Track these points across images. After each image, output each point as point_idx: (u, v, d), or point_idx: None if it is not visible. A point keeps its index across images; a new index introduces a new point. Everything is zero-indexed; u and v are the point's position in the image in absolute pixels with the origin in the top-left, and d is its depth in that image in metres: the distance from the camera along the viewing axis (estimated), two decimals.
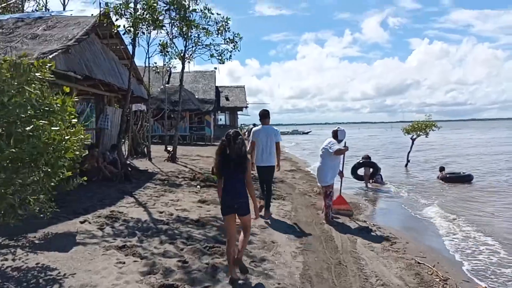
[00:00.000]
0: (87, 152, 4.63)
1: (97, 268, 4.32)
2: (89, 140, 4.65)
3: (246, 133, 38.84)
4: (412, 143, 16.84)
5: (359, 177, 12.65)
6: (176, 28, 12.53)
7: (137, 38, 10.71)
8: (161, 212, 6.95)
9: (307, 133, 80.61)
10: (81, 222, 6.02)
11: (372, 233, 6.55)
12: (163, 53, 14.45)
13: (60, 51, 7.63)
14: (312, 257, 5.18)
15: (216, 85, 47.01)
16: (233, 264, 4.16)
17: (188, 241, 5.42)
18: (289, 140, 48.88)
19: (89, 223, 6.04)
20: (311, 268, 4.78)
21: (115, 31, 8.75)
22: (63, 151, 3.75)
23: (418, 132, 16.24)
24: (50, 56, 7.27)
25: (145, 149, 18.43)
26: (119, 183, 9.75)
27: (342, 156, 7.20)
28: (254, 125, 36.84)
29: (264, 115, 7.11)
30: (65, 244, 5.01)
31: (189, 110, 29.49)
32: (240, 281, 4.17)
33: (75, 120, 4.17)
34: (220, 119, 48.82)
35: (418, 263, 5.18)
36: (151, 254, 4.84)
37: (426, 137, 16.26)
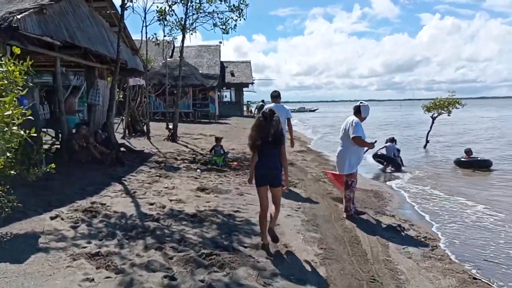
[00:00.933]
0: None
1: None
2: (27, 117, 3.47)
3: (256, 111, 37.44)
4: (432, 122, 15.52)
5: (379, 161, 11.57)
6: None
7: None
8: (151, 204, 5.85)
9: (314, 110, 79.18)
10: (52, 218, 4.94)
11: (406, 233, 5.43)
12: (161, 22, 13.12)
13: (31, 10, 6.38)
14: (337, 269, 4.07)
15: (221, 60, 45.46)
16: (266, 232, 4.43)
17: (180, 245, 4.32)
18: (296, 118, 47.60)
19: (62, 219, 4.95)
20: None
21: None
22: None
23: (440, 110, 14.92)
24: (19, 17, 6.04)
25: (145, 127, 17.40)
26: (110, 166, 8.66)
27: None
28: (263, 101, 35.46)
29: (275, 96, 7.72)
30: (22, 251, 3.93)
31: (192, 86, 28.15)
32: None
33: None
34: (226, 96, 47.40)
35: (474, 279, 4.06)
36: (130, 266, 3.75)
37: (449, 115, 14.96)
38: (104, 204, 5.67)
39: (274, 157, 4.40)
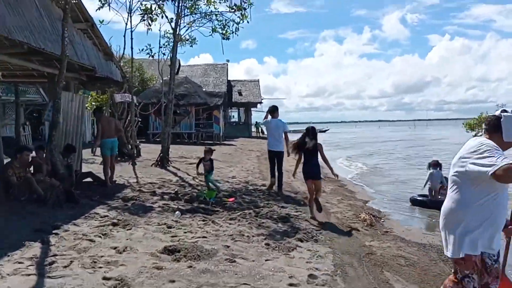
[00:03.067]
0: None
1: None
2: None
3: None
4: None
5: (420, 203, 8.90)
6: None
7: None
8: None
9: (325, 131, 76.18)
10: None
11: None
12: (146, 21, 10.87)
13: None
14: None
15: (229, 79, 43.47)
16: (313, 210, 6.40)
17: None
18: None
19: None
20: None
21: None
22: None
23: None
24: None
25: (135, 150, 15.14)
26: (53, 206, 6.17)
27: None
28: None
29: (273, 110, 8.47)
30: None
31: (195, 105, 25.89)
32: None
33: None
34: (233, 116, 45.21)
35: None
36: None
37: None
38: None
39: (314, 159, 6.38)
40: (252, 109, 44.45)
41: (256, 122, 44.47)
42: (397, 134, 62.18)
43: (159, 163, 11.85)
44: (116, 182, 8.70)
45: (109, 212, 6.02)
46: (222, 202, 7.15)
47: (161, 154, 12.03)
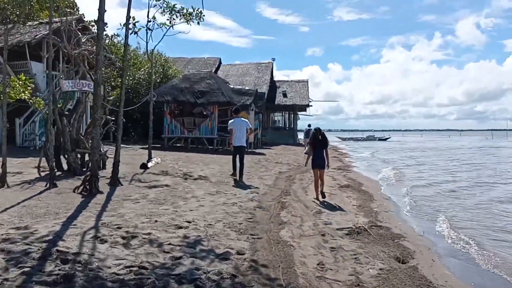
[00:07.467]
0: None
1: None
2: None
3: (304, 136, 28.40)
4: None
5: None
6: None
7: None
8: None
9: (385, 139, 67.69)
10: None
11: None
12: None
13: None
14: None
15: (275, 79, 38.48)
16: (318, 191, 8.43)
17: None
18: (360, 147, 38.27)
19: None
20: None
21: None
22: None
23: None
24: None
25: (100, 160, 10.55)
26: None
27: None
28: (309, 125, 27.40)
29: (236, 111, 10.43)
30: None
31: (218, 104, 21.02)
32: None
33: None
34: (278, 121, 40.00)
35: None
36: None
37: None
38: None
39: (321, 153, 8.49)
40: (299, 113, 39.03)
41: (309, 125, 29.09)
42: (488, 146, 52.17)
43: (86, 187, 6.97)
44: None
45: None
46: None
47: (87, 177, 7.12)
